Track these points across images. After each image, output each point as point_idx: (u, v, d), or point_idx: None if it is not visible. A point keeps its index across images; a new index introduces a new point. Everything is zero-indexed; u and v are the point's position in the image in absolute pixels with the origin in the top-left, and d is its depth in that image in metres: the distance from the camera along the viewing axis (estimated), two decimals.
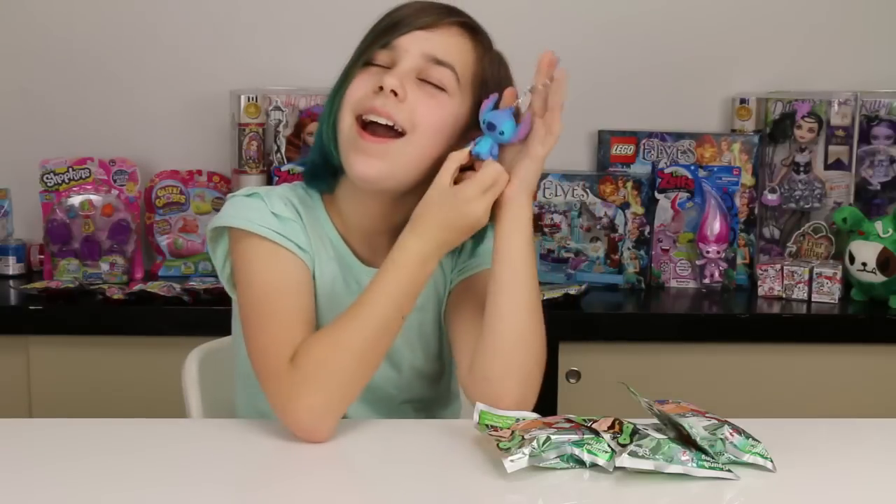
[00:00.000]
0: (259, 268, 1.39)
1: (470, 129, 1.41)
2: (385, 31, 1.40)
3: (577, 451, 1.23)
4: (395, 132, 1.36)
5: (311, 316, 1.40)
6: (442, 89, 1.38)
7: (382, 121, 1.36)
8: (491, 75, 1.43)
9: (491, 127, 1.36)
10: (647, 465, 1.21)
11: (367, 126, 1.36)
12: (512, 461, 1.20)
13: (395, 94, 1.35)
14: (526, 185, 1.38)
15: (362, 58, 1.40)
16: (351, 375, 1.33)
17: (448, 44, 1.39)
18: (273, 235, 1.39)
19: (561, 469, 1.23)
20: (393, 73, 1.36)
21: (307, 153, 2.43)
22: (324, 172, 1.45)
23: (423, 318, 1.50)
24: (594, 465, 1.23)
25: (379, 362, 1.37)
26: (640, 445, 1.21)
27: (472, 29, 1.44)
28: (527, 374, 1.39)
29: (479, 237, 1.45)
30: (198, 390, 1.66)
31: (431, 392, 1.57)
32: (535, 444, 1.21)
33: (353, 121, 1.37)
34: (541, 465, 1.22)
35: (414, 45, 1.38)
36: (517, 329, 1.37)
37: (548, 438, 1.22)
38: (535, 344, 1.39)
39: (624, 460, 1.21)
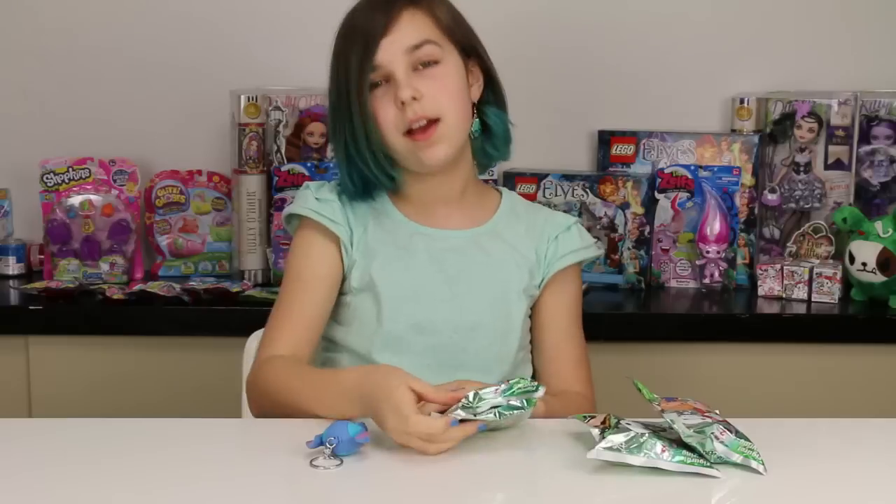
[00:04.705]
0: (296, 253, 1.64)
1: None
2: (364, 58, 1.56)
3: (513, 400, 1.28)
4: (434, 120, 1.57)
5: (317, 312, 1.61)
6: (436, 62, 1.57)
7: (422, 123, 1.56)
8: (450, 16, 1.61)
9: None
10: (618, 457, 1.21)
11: (412, 132, 1.57)
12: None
13: (415, 97, 1.55)
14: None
15: (362, 87, 1.56)
16: (283, 412, 1.49)
17: (411, 28, 1.57)
18: (311, 214, 1.63)
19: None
20: (401, 86, 1.55)
21: (307, 153, 2.46)
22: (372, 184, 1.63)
23: (501, 287, 1.64)
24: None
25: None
26: (614, 439, 1.23)
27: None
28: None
29: None
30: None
31: (493, 355, 1.63)
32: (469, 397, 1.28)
33: (403, 137, 1.57)
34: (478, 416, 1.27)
35: (393, 54, 1.55)
36: None
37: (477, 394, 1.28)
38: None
39: (599, 453, 1.22)
